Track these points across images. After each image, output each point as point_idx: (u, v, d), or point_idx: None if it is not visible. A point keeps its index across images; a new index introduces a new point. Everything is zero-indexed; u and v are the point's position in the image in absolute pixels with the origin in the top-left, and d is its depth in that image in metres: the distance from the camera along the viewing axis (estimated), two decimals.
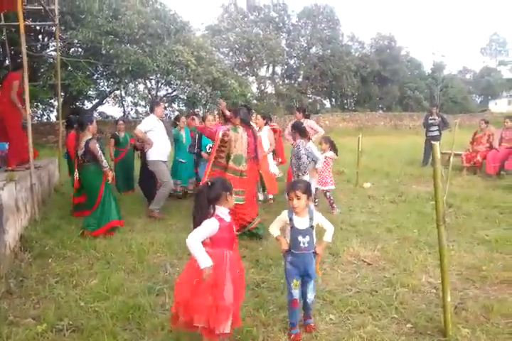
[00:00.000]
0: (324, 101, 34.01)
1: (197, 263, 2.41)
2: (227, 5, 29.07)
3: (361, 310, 3.14)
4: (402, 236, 4.88)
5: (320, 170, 5.95)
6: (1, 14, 8.25)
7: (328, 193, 6.16)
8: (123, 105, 22.43)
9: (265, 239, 4.78)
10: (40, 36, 17.45)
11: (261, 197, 6.80)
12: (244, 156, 4.92)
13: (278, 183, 6.30)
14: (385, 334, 2.82)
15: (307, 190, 2.79)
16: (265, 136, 6.61)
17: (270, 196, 6.82)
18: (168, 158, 6.15)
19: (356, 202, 6.81)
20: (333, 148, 6.28)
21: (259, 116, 6.90)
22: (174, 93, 22.58)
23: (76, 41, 16.56)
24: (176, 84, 21.02)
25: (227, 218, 2.58)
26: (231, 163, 4.91)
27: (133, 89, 19.90)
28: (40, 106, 19.63)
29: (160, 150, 5.91)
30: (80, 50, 18.44)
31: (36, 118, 19.86)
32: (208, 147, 6.37)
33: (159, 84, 22.13)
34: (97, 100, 21.46)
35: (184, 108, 21.52)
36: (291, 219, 2.78)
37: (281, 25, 31.06)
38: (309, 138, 5.74)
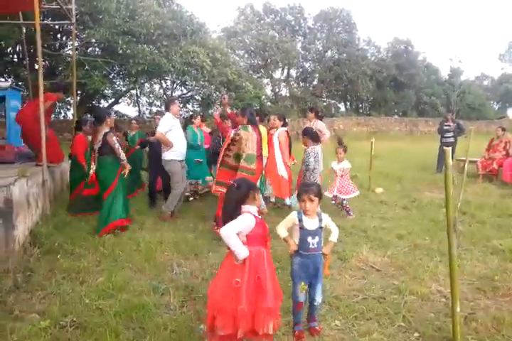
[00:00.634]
0: (339, 105, 33.76)
1: (235, 265, 2.39)
2: (243, 7, 29.09)
3: (368, 317, 3.08)
4: (413, 243, 4.79)
5: (338, 180, 6.12)
6: (20, 13, 8.37)
7: (344, 201, 6.13)
8: (138, 105, 22.62)
9: (273, 242, 4.73)
10: (58, 35, 17.72)
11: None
12: (255, 155, 4.94)
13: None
14: None
15: (320, 192, 2.81)
16: (277, 138, 6.52)
17: (288, 202, 6.28)
18: (183, 157, 6.01)
19: (368, 207, 6.72)
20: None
21: (275, 117, 6.76)
22: (189, 94, 22.67)
23: (93, 41, 16.76)
24: (191, 85, 21.07)
25: (258, 216, 2.59)
26: (243, 163, 4.91)
27: (148, 89, 20.05)
28: (57, 104, 19.90)
29: (176, 150, 5.77)
30: (97, 49, 18.65)
31: (53, 115, 20.14)
32: None
33: (174, 85, 22.24)
34: (112, 99, 21.67)
35: (198, 109, 21.59)
36: (300, 220, 2.77)
37: (297, 28, 30.96)
38: (319, 142, 5.73)
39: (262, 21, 29.60)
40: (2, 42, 15.13)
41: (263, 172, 5.46)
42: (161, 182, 6.61)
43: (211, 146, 7.13)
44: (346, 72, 28.19)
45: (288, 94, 29.75)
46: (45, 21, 13.55)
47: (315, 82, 30.97)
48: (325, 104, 30.69)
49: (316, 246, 2.74)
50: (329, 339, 2.80)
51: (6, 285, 3.39)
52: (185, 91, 22.75)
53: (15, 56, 17.26)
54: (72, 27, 9.16)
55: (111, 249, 4.44)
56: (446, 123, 10.27)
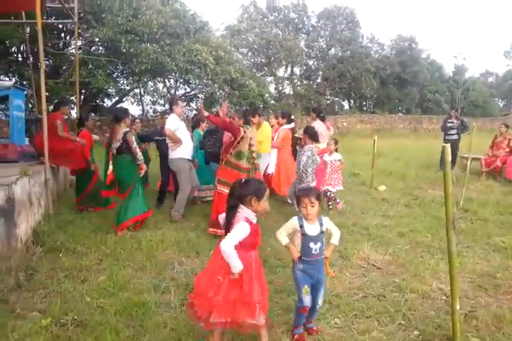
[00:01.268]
0: (343, 103, 33.68)
1: (222, 262, 2.46)
2: (246, 5, 29.01)
3: (368, 315, 3.08)
4: (415, 241, 4.79)
5: (328, 172, 6.16)
6: (23, 12, 8.41)
7: (329, 192, 6.18)
8: (142, 103, 22.65)
9: (274, 240, 4.73)
10: (62, 34, 17.77)
11: None
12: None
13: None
14: (391, 340, 2.75)
15: (319, 196, 2.79)
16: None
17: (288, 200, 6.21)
18: (190, 157, 5.96)
19: (370, 205, 6.71)
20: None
21: (272, 116, 6.80)
22: (192, 92, 22.69)
23: (97, 39, 16.82)
24: (195, 84, 21.08)
25: (254, 221, 2.57)
26: (245, 163, 4.99)
27: (152, 88, 20.05)
28: None
29: (183, 149, 5.79)
30: (100, 48, 18.69)
31: None
32: None
33: (178, 83, 22.25)
34: (116, 98, 21.70)
35: None
36: (301, 226, 2.71)
37: (300, 26, 30.85)
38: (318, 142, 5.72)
39: (265, 19, 29.53)
40: (6, 42, 15.22)
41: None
42: (173, 183, 6.51)
43: (206, 146, 6.95)
44: (350, 70, 28.08)
45: (291, 92, 29.71)
46: (48, 20, 13.58)
47: (318, 80, 30.86)
48: (328, 101, 30.62)
49: (318, 251, 2.71)
50: (329, 337, 2.80)
51: (8, 284, 3.41)
52: (188, 89, 22.77)
53: (19, 55, 17.31)
54: (74, 26, 9.17)
55: (113, 248, 4.45)
56: (449, 120, 10.20)
